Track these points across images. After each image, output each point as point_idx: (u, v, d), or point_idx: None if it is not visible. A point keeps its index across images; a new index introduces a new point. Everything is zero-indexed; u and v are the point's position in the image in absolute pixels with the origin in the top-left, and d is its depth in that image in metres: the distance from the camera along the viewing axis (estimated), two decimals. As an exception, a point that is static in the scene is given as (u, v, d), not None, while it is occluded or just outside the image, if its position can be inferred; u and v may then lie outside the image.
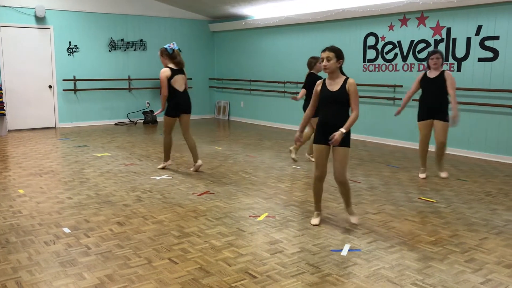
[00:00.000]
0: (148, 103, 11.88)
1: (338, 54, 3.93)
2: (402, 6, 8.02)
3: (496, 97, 7.06)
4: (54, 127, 10.60)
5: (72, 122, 10.78)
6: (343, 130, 3.83)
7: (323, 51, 3.96)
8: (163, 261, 3.42)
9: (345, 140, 3.95)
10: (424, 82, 5.82)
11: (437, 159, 6.03)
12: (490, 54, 7.15)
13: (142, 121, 11.62)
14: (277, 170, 6.45)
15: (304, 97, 6.70)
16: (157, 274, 3.22)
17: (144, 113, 11.61)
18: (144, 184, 5.63)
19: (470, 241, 3.85)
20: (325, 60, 3.92)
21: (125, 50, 11.36)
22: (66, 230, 4.05)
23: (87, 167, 6.58)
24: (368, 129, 8.97)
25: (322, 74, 5.34)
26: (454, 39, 7.58)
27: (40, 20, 10.16)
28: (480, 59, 7.27)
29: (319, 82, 4.10)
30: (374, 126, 8.90)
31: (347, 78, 3.95)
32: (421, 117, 5.89)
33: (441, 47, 7.73)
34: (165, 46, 6.10)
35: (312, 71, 6.73)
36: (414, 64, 8.16)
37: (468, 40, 7.40)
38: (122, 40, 11.27)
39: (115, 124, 11.28)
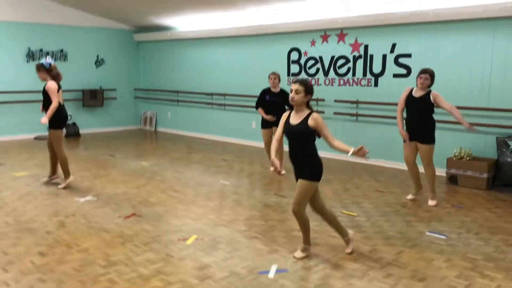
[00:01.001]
0: (70, 115, 11.41)
1: (308, 88, 3.81)
2: (323, 23, 8.36)
3: (409, 111, 7.54)
4: (-33, 143, 9.92)
5: (-13, 137, 10.14)
6: (351, 149, 3.70)
7: (294, 82, 3.83)
8: (89, 295, 3.35)
9: (308, 173, 3.87)
10: (409, 100, 5.55)
11: (428, 184, 5.70)
12: (403, 71, 7.64)
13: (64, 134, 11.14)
14: (206, 186, 6.48)
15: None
16: (83, 309, 3.14)
17: (66, 126, 11.14)
18: (68, 208, 5.44)
19: (387, 255, 4.11)
20: (293, 92, 3.80)
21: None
22: (-18, 265, 3.83)
23: (4, 189, 6.24)
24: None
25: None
26: (372, 56, 8.01)
27: None
28: (395, 75, 7.75)
29: (286, 113, 4.00)
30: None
31: (310, 113, 3.83)
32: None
33: (359, 63, 8.15)
34: (41, 62, 6.19)
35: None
36: (334, 78, 8.52)
37: (384, 57, 7.86)
38: (41, 50, 10.78)
39: (34, 138, 10.76)
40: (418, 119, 5.52)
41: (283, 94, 7.07)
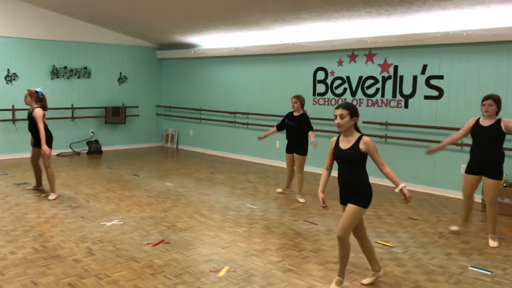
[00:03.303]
0: (92, 132, 11.43)
1: (352, 111, 3.76)
2: (351, 43, 8.22)
3: (442, 134, 7.31)
4: (-10, 160, 9.94)
5: (10, 154, 10.15)
6: (402, 185, 3.69)
7: (337, 108, 3.78)
8: (122, 334, 3.20)
9: (358, 199, 3.79)
10: (476, 130, 5.06)
11: (490, 224, 5.18)
12: (435, 93, 7.45)
13: (86, 151, 11.14)
14: (233, 211, 6.32)
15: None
16: None
17: (88, 143, 11.15)
18: (94, 232, 5.33)
19: (431, 293, 3.90)
20: (338, 118, 3.75)
21: (68, 77, 10.90)
22: (11, 297, 3.72)
23: (30, 211, 6.16)
24: (321, 162, 9.03)
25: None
26: (401, 77, 7.83)
27: (-24, 46, 9.57)
28: (426, 97, 7.55)
29: (333, 139, 3.96)
30: (324, 159, 8.97)
31: (360, 136, 3.78)
32: (468, 169, 5.21)
33: (389, 84, 7.98)
34: (37, 90, 6.87)
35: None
36: (362, 99, 8.35)
37: (415, 78, 7.67)
38: (65, 67, 10.81)
39: (57, 155, 10.74)
40: (486, 151, 5.00)
41: (301, 119, 6.83)
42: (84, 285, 3.95)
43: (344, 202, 3.92)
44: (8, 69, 10.02)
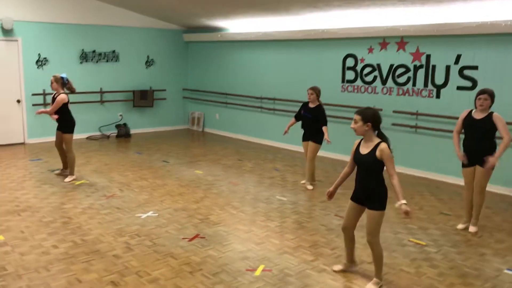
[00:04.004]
0: (121, 115, 11.57)
1: (365, 117, 3.87)
2: (383, 31, 8.08)
3: (474, 126, 7.21)
4: (23, 143, 10.18)
5: (41, 138, 10.36)
6: (403, 201, 3.79)
7: (355, 112, 3.93)
8: (167, 337, 3.32)
9: (377, 203, 3.94)
10: (468, 122, 5.25)
11: (475, 210, 5.43)
12: (469, 83, 7.31)
13: (115, 134, 11.31)
14: (264, 203, 6.40)
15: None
16: None
17: (117, 126, 11.31)
18: (131, 225, 5.47)
19: (467, 299, 3.93)
20: (353, 123, 3.94)
21: (97, 61, 11.00)
22: (59, 294, 3.88)
23: (66, 200, 6.34)
24: (348, 149, 9.00)
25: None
26: (434, 66, 7.70)
27: (8, 32, 9.69)
28: (459, 87, 7.42)
29: (356, 142, 4.09)
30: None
31: (379, 143, 3.86)
32: (463, 164, 5.39)
33: (421, 73, 7.85)
34: (62, 75, 7.17)
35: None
36: (393, 88, 8.25)
37: (448, 68, 7.53)
38: (94, 51, 10.90)
39: (86, 138, 10.94)
40: (478, 144, 5.20)
41: (316, 111, 6.89)
42: (126, 284, 4.08)
43: (355, 200, 4.09)
44: (39, 54, 10.15)
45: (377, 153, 3.82)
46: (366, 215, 4.01)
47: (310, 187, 7.08)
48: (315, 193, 6.90)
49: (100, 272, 4.30)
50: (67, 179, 7.27)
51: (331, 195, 4.28)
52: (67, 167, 7.48)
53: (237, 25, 10.77)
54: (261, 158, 9.19)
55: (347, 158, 8.90)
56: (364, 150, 3.93)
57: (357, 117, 3.88)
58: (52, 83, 7.13)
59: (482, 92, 5.15)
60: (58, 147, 7.50)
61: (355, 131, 3.93)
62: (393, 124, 8.22)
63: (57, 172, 7.67)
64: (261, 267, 4.44)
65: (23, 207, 6.03)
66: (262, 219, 5.76)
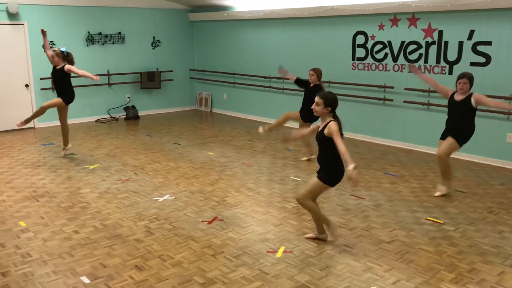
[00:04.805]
0: (128, 97, 11.55)
1: (327, 101, 4.23)
2: (393, 7, 7.97)
3: (488, 102, 7.16)
4: (33, 128, 10.20)
5: (51, 122, 10.37)
6: (351, 165, 3.98)
7: (318, 94, 4.31)
8: (196, 320, 3.38)
9: (324, 176, 4.36)
10: (450, 103, 5.70)
11: (441, 176, 5.94)
12: (482, 59, 7.23)
13: (123, 117, 11.30)
14: (278, 184, 6.42)
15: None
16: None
17: (126, 108, 11.30)
18: (149, 209, 5.51)
19: (489, 276, 3.96)
20: (314, 104, 4.29)
21: (103, 44, 10.93)
22: (85, 280, 3.93)
23: (82, 185, 6.38)
24: (358, 127, 9.01)
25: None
26: (446, 42, 7.61)
27: (13, 16, 9.62)
28: (472, 63, 7.35)
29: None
30: (364, 125, 8.94)
31: (329, 121, 4.22)
32: (441, 136, 5.87)
33: (433, 49, 7.76)
34: (61, 49, 7.34)
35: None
36: (404, 65, 8.18)
37: (460, 44, 7.45)
38: (99, 33, 10.82)
39: (95, 121, 10.95)
40: (457, 123, 5.63)
41: (313, 90, 6.96)
42: (150, 267, 4.14)
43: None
44: (45, 38, 10.06)
45: (325, 130, 4.19)
46: (310, 180, 4.50)
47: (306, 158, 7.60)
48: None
49: (123, 256, 4.35)
50: (62, 153, 7.73)
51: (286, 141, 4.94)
52: (68, 143, 7.76)
53: (243, 3, 10.63)
54: (272, 138, 9.19)
55: (356, 136, 8.96)
56: (320, 129, 4.34)
57: (319, 100, 4.24)
58: (53, 57, 7.28)
59: (462, 76, 5.52)
60: (62, 122, 7.69)
61: (314, 111, 4.29)
62: (405, 102, 8.18)
63: (62, 153, 7.78)
64: (282, 249, 4.48)
65: (40, 193, 6.08)
66: (278, 200, 5.79)
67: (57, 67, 7.36)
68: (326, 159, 4.31)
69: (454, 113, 5.65)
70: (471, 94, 5.51)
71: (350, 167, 3.96)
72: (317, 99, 4.25)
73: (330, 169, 4.31)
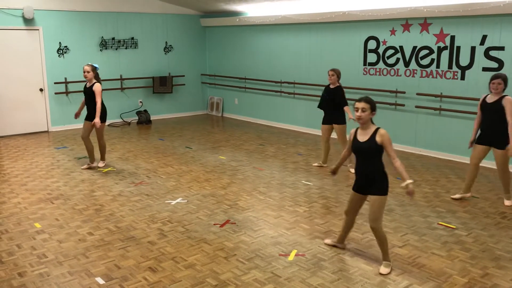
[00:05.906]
0: (141, 102, 11.66)
1: (373, 105, 3.98)
2: (405, 12, 7.98)
3: (500, 107, 7.14)
4: (47, 131, 10.34)
5: (65, 125, 10.51)
6: (409, 181, 3.92)
7: (359, 101, 3.97)
8: (209, 321, 3.41)
9: (378, 189, 4.02)
10: (483, 106, 5.62)
11: (504, 186, 5.82)
12: (495, 64, 7.22)
13: (135, 121, 11.41)
14: (290, 188, 6.45)
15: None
16: None
17: (138, 113, 11.40)
18: (162, 212, 5.56)
19: (502, 282, 3.95)
20: (360, 111, 3.95)
21: (116, 49, 11.06)
22: (100, 280, 3.99)
23: (96, 188, 6.46)
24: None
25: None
26: (458, 47, 7.61)
27: (29, 21, 9.77)
28: (484, 69, 7.33)
29: (352, 131, 4.17)
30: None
31: (377, 129, 3.98)
32: (477, 140, 5.73)
33: (445, 54, 7.76)
34: (95, 65, 7.15)
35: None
36: (416, 70, 8.18)
37: (473, 49, 7.44)
38: (113, 38, 10.95)
39: (108, 125, 11.06)
40: (492, 125, 5.52)
41: (334, 92, 6.97)
42: (164, 269, 4.18)
43: (357, 190, 4.18)
44: (60, 43, 10.23)
45: (377, 138, 3.92)
46: (370, 201, 4.08)
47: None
48: (341, 178, 6.92)
49: (137, 258, 4.40)
50: (100, 164, 7.49)
51: (334, 172, 4.53)
52: (94, 160, 7.41)
53: (255, 9, 10.71)
54: (283, 142, 9.22)
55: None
56: (362, 138, 4.01)
57: (365, 105, 3.91)
58: (88, 72, 6.99)
59: (496, 76, 5.45)
60: (85, 139, 7.26)
61: (360, 119, 3.95)
62: (417, 107, 8.18)
63: (84, 167, 7.37)
64: (294, 252, 4.50)
65: (55, 195, 6.17)
66: (290, 204, 5.82)
67: (87, 85, 7.12)
68: (377, 169, 4.02)
69: (486, 116, 5.57)
70: (503, 96, 5.41)
71: (408, 181, 3.91)
72: (362, 104, 3.91)
73: (383, 178, 4.03)
